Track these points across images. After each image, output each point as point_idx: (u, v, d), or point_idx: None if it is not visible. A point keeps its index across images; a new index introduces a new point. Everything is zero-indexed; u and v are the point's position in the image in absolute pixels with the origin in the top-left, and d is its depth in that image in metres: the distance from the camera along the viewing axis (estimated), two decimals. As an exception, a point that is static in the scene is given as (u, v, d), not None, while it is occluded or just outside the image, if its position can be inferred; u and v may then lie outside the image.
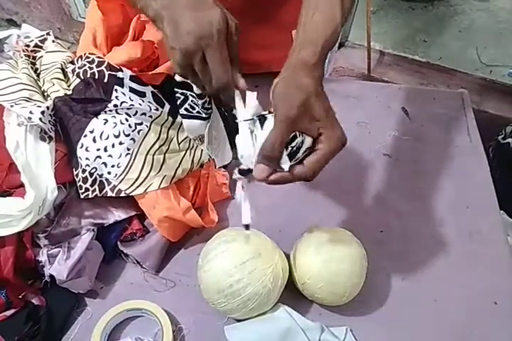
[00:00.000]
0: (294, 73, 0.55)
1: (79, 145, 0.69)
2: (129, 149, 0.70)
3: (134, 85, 0.73)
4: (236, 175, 0.58)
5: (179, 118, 0.77)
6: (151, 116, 0.73)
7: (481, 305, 0.70)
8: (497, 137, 1.52)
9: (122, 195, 0.70)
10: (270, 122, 0.55)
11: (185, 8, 0.54)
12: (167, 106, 0.76)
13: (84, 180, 0.70)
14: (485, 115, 1.75)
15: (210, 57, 0.54)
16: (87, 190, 0.70)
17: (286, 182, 0.56)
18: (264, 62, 0.95)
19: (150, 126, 0.73)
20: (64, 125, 0.71)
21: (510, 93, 1.83)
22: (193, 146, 0.78)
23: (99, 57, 0.73)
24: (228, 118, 0.89)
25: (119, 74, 0.72)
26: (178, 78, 0.67)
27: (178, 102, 0.75)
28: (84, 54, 0.74)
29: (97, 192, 0.70)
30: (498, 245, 0.77)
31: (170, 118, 0.76)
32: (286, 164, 0.54)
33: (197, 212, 0.74)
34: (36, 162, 0.67)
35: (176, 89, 0.74)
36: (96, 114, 0.70)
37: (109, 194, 0.70)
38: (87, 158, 0.69)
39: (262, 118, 0.56)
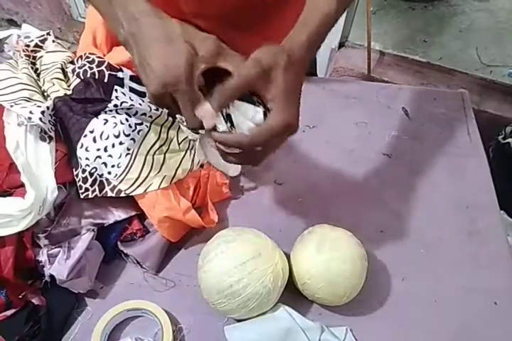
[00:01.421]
0: (279, 47, 0.54)
1: (79, 145, 0.69)
2: (129, 149, 0.70)
3: (134, 85, 0.73)
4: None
5: (179, 118, 0.77)
6: (151, 116, 0.73)
7: (481, 305, 0.70)
8: (497, 137, 1.52)
9: (122, 195, 0.70)
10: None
11: (152, 40, 0.52)
12: (167, 107, 0.76)
13: (84, 180, 0.70)
14: (485, 115, 1.75)
15: (179, 101, 0.53)
16: (87, 190, 0.70)
17: (222, 141, 0.55)
18: None
19: (150, 126, 0.73)
20: (64, 125, 0.71)
21: (510, 93, 1.83)
22: (193, 146, 0.78)
23: (99, 57, 0.73)
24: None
25: (119, 74, 0.72)
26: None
27: None
28: (85, 54, 0.74)
29: (97, 192, 0.70)
30: (497, 245, 0.77)
31: (170, 119, 0.76)
32: (221, 125, 0.54)
33: (197, 212, 0.74)
34: (36, 162, 0.67)
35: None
36: (96, 114, 0.70)
37: (109, 194, 0.70)
38: (87, 158, 0.69)
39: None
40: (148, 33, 0.52)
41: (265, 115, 0.54)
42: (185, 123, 0.57)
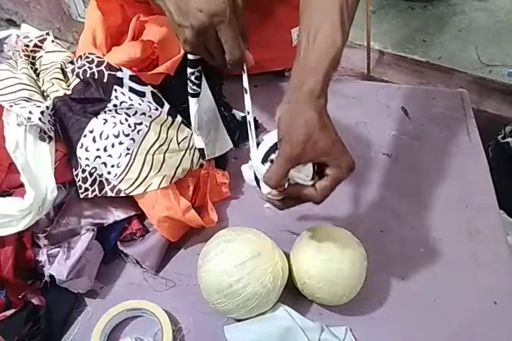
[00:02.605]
0: (298, 106, 0.54)
1: (78, 145, 0.69)
2: (128, 149, 0.70)
3: (134, 85, 0.73)
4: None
5: (179, 117, 0.77)
6: (150, 116, 0.73)
7: (481, 305, 0.70)
8: (496, 137, 1.52)
9: (122, 194, 0.70)
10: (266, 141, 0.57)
11: None
12: (166, 106, 0.76)
13: (84, 179, 0.70)
14: (484, 115, 1.75)
15: (223, 34, 0.54)
16: (86, 189, 0.70)
17: (295, 201, 0.60)
18: (264, 61, 0.95)
19: (150, 125, 0.73)
20: (63, 125, 0.71)
21: (509, 93, 1.83)
22: (192, 146, 0.78)
23: (98, 57, 0.73)
24: (228, 118, 0.89)
25: (119, 74, 0.72)
26: (190, 56, 0.65)
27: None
28: (84, 54, 0.74)
29: (97, 192, 0.70)
30: (497, 245, 0.77)
31: (169, 118, 0.76)
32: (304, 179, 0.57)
33: (197, 211, 0.74)
34: (36, 162, 0.67)
35: (189, 70, 0.70)
36: (95, 114, 0.70)
37: (109, 194, 0.70)
38: (86, 158, 0.69)
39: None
40: None
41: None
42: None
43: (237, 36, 0.56)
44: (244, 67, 0.62)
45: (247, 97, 0.61)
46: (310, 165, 0.56)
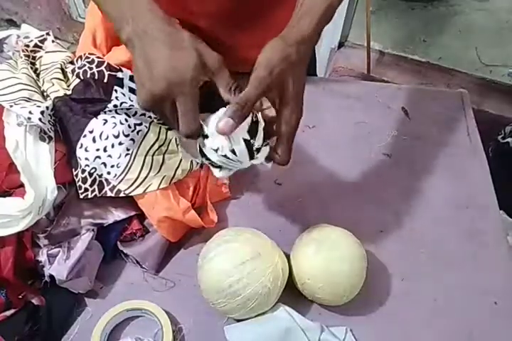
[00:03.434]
0: (284, 43, 0.54)
1: (78, 145, 0.69)
2: (128, 149, 0.70)
3: (134, 85, 0.73)
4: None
5: (177, 139, 0.77)
6: (150, 117, 0.73)
7: (481, 305, 0.70)
8: (497, 137, 1.52)
9: (122, 195, 0.70)
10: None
11: (160, 44, 0.52)
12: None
13: (84, 180, 0.70)
14: (485, 115, 1.75)
15: (180, 105, 0.52)
16: (86, 190, 0.70)
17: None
18: None
19: (149, 126, 0.73)
20: (63, 125, 0.71)
21: (510, 93, 1.83)
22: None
23: (98, 57, 0.73)
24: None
25: (119, 75, 0.72)
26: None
27: None
28: (84, 54, 0.74)
29: (97, 192, 0.70)
30: (498, 245, 0.77)
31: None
32: (244, 159, 0.55)
33: (196, 212, 0.74)
34: (36, 162, 0.67)
35: None
36: (95, 114, 0.70)
37: (109, 194, 0.70)
38: (86, 158, 0.69)
39: None
40: (158, 37, 0.52)
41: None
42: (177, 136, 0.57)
43: (196, 109, 0.53)
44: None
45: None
46: (245, 150, 0.55)
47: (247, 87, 0.52)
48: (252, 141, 0.55)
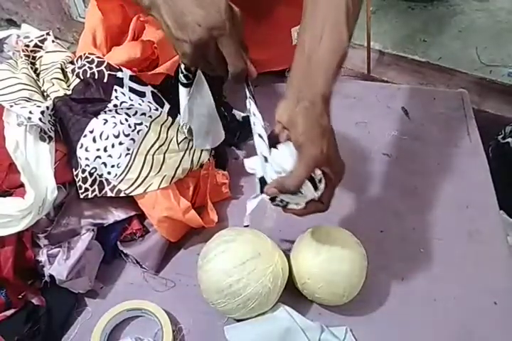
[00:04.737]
0: (314, 109, 0.55)
1: (79, 145, 0.69)
2: (128, 149, 0.70)
3: (134, 85, 0.73)
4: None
5: (178, 117, 0.77)
6: (150, 116, 0.73)
7: (481, 305, 0.70)
8: (497, 137, 1.52)
9: (122, 195, 0.70)
10: (286, 147, 0.57)
11: None
12: (167, 106, 0.76)
13: (84, 180, 0.70)
14: (485, 115, 1.75)
15: (224, 46, 0.53)
16: (86, 190, 0.70)
17: (303, 215, 0.61)
18: (264, 60, 0.94)
19: (150, 126, 0.73)
20: (64, 125, 0.71)
21: (509, 93, 1.83)
22: (192, 146, 0.78)
23: (98, 57, 0.73)
24: (228, 118, 0.88)
25: (119, 74, 0.72)
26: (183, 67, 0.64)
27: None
28: (84, 54, 0.74)
29: (97, 192, 0.70)
30: (497, 245, 0.77)
31: (169, 118, 0.76)
32: (310, 192, 0.58)
33: (197, 211, 0.74)
34: (36, 162, 0.67)
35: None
36: (96, 114, 0.70)
37: (109, 194, 0.70)
38: (86, 158, 0.69)
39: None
40: None
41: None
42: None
43: (239, 47, 0.55)
44: (248, 81, 0.60)
45: (253, 114, 0.60)
46: (309, 183, 0.57)
47: (298, 165, 0.54)
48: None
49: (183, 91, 0.68)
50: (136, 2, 0.57)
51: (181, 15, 0.52)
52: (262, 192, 0.58)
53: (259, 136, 0.58)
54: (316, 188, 0.58)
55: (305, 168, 0.54)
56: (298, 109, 0.55)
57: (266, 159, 0.57)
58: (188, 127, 0.75)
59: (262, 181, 0.58)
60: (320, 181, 0.58)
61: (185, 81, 0.66)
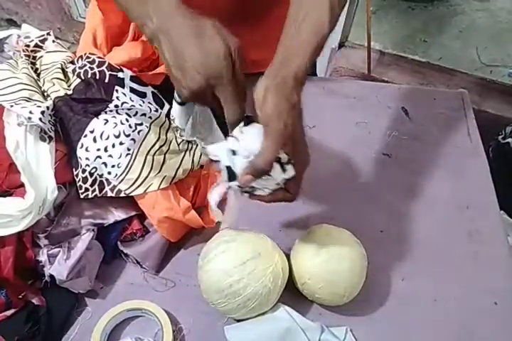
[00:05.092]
0: (285, 85, 0.54)
1: (79, 145, 0.69)
2: (129, 149, 0.70)
3: (135, 85, 0.73)
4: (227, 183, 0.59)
5: (173, 123, 0.76)
6: (150, 117, 0.73)
7: (481, 305, 0.70)
8: (497, 137, 1.52)
9: (122, 195, 0.70)
10: (253, 129, 0.56)
11: (186, 36, 0.52)
12: (166, 107, 0.76)
13: (84, 180, 0.70)
14: (485, 115, 1.75)
15: (221, 94, 0.53)
16: (86, 190, 0.70)
17: (269, 202, 0.61)
18: (263, 60, 0.94)
19: (150, 126, 0.73)
20: (64, 125, 0.71)
21: (510, 93, 1.83)
22: (192, 147, 0.78)
23: (99, 57, 0.73)
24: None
25: (120, 75, 0.72)
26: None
27: None
28: (85, 54, 0.74)
29: (97, 192, 0.70)
30: (498, 245, 0.77)
31: (167, 121, 0.76)
32: (279, 175, 0.56)
33: (197, 212, 0.74)
34: (36, 162, 0.67)
35: None
36: (96, 114, 0.70)
37: (109, 194, 0.70)
38: (87, 158, 0.69)
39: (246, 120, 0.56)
40: (182, 30, 0.53)
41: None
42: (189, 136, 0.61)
43: (237, 95, 0.54)
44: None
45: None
46: (277, 165, 0.56)
47: (265, 142, 0.53)
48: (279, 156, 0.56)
49: (176, 108, 0.67)
50: (138, 28, 0.57)
51: (181, 57, 0.52)
52: (230, 180, 0.57)
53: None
54: (284, 170, 0.56)
55: (273, 143, 0.52)
56: (271, 86, 0.54)
57: (234, 152, 0.56)
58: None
59: (230, 170, 0.57)
60: (287, 164, 0.56)
61: (179, 100, 0.65)
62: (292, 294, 0.69)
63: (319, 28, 0.57)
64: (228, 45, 0.53)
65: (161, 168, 0.73)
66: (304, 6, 0.58)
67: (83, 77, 0.72)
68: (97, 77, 0.71)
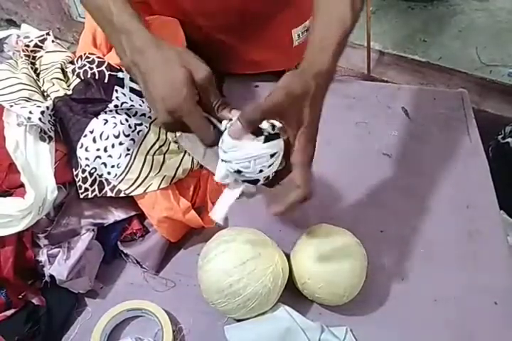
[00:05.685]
0: (303, 73, 0.54)
1: (79, 145, 0.69)
2: (128, 149, 0.70)
3: (135, 85, 0.73)
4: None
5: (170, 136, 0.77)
6: (150, 117, 0.73)
7: (481, 305, 0.70)
8: (497, 137, 1.52)
9: (122, 195, 0.70)
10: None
11: (152, 69, 0.53)
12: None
13: (84, 180, 0.70)
14: (485, 115, 1.75)
15: (190, 124, 0.53)
16: (86, 190, 0.70)
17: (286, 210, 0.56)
18: (264, 61, 0.95)
19: (150, 126, 0.73)
20: (64, 125, 0.71)
21: (509, 93, 1.83)
22: (192, 146, 0.78)
23: (99, 57, 0.73)
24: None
25: (120, 75, 0.72)
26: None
27: None
28: (84, 54, 0.74)
29: (97, 192, 0.70)
30: (497, 245, 0.77)
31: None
32: (248, 145, 0.52)
33: (196, 212, 0.74)
34: (36, 162, 0.67)
35: None
36: (96, 114, 0.70)
37: (109, 194, 0.70)
38: (86, 158, 0.69)
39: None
40: (149, 64, 0.53)
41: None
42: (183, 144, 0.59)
43: (204, 123, 0.54)
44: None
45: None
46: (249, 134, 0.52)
47: (273, 92, 0.52)
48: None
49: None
50: (119, 57, 0.58)
51: (148, 89, 0.53)
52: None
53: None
54: (266, 140, 0.52)
55: (278, 92, 0.51)
56: (296, 77, 0.54)
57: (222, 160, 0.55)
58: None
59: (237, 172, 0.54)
60: (272, 135, 0.53)
61: None
62: (292, 294, 0.69)
63: (342, 23, 0.57)
64: (189, 74, 0.52)
65: (161, 167, 0.73)
66: (324, 3, 0.58)
67: (83, 77, 0.72)
68: (97, 77, 0.71)
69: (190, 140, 0.72)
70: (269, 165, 0.53)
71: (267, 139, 0.52)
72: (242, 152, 0.52)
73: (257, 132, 0.52)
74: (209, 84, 0.54)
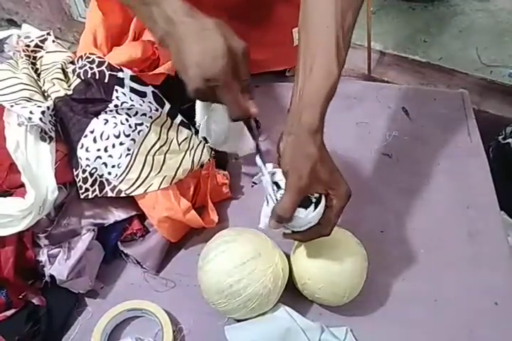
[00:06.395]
0: (299, 140, 0.56)
1: (79, 145, 0.69)
2: (129, 149, 0.70)
3: (135, 85, 0.73)
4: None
5: (178, 119, 0.77)
6: (151, 117, 0.73)
7: (481, 305, 0.70)
8: (497, 137, 1.51)
9: (122, 195, 0.70)
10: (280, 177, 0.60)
11: (188, 37, 0.52)
12: (167, 107, 0.76)
13: (85, 180, 0.70)
14: (485, 115, 1.75)
15: (221, 95, 0.54)
16: (87, 190, 0.70)
17: (304, 240, 0.63)
18: (264, 60, 0.95)
19: (150, 126, 0.73)
20: (64, 125, 0.71)
21: (510, 93, 1.83)
22: (193, 146, 0.78)
23: (99, 57, 0.73)
24: None
25: (120, 75, 0.72)
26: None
27: None
28: (85, 54, 0.74)
29: (97, 192, 0.70)
30: (498, 245, 0.77)
31: (169, 120, 0.76)
32: (307, 214, 0.58)
33: (197, 212, 0.74)
34: (36, 162, 0.67)
35: None
36: (96, 114, 0.70)
37: (109, 194, 0.70)
38: (87, 159, 0.69)
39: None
40: (184, 32, 0.53)
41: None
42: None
43: (236, 96, 0.55)
44: (252, 123, 0.62)
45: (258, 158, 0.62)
46: (300, 208, 0.58)
47: (285, 192, 0.56)
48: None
49: (197, 103, 0.68)
50: (149, 31, 0.58)
51: (182, 57, 0.53)
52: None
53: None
54: (315, 206, 0.58)
55: (289, 194, 0.56)
56: (287, 142, 0.57)
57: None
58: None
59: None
60: (318, 203, 0.59)
61: None
62: (292, 294, 0.69)
63: (328, 74, 0.57)
64: (229, 45, 0.52)
65: (161, 167, 0.73)
66: (310, 53, 0.58)
67: (83, 77, 0.72)
68: (97, 77, 0.71)
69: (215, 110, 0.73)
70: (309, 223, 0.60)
71: (316, 204, 0.59)
72: (301, 222, 0.59)
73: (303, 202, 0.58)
74: (245, 58, 0.54)
